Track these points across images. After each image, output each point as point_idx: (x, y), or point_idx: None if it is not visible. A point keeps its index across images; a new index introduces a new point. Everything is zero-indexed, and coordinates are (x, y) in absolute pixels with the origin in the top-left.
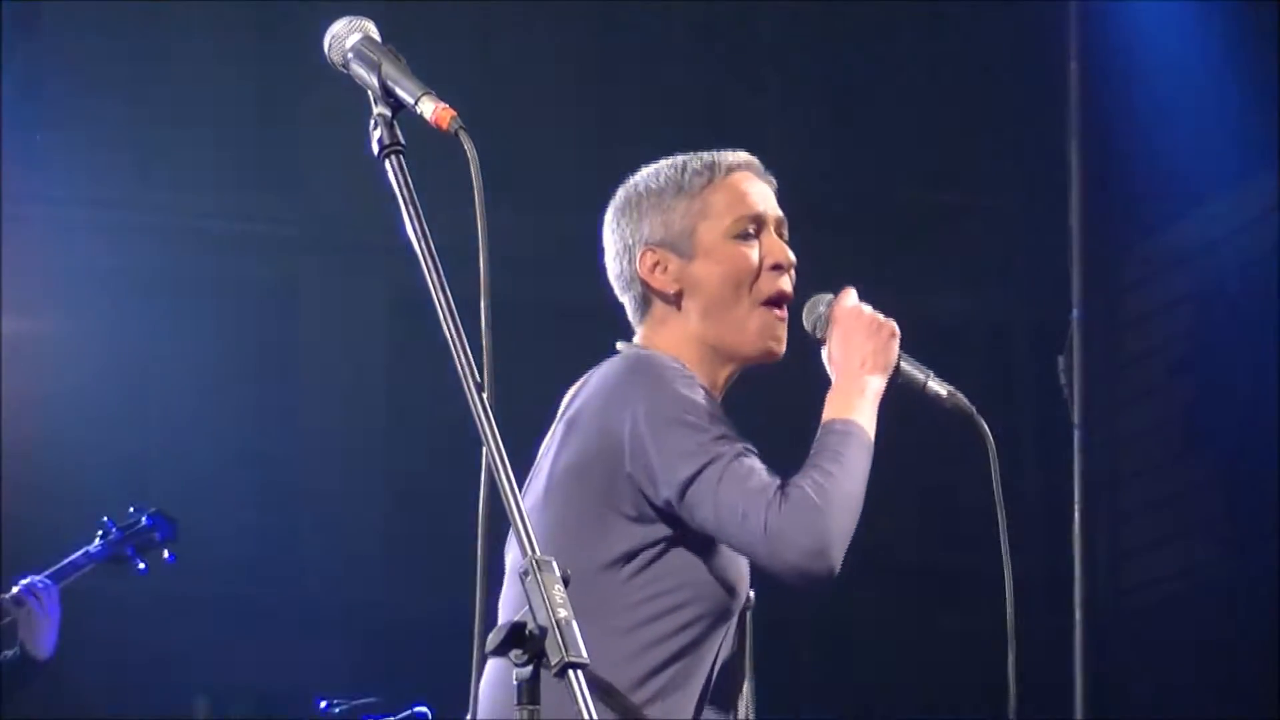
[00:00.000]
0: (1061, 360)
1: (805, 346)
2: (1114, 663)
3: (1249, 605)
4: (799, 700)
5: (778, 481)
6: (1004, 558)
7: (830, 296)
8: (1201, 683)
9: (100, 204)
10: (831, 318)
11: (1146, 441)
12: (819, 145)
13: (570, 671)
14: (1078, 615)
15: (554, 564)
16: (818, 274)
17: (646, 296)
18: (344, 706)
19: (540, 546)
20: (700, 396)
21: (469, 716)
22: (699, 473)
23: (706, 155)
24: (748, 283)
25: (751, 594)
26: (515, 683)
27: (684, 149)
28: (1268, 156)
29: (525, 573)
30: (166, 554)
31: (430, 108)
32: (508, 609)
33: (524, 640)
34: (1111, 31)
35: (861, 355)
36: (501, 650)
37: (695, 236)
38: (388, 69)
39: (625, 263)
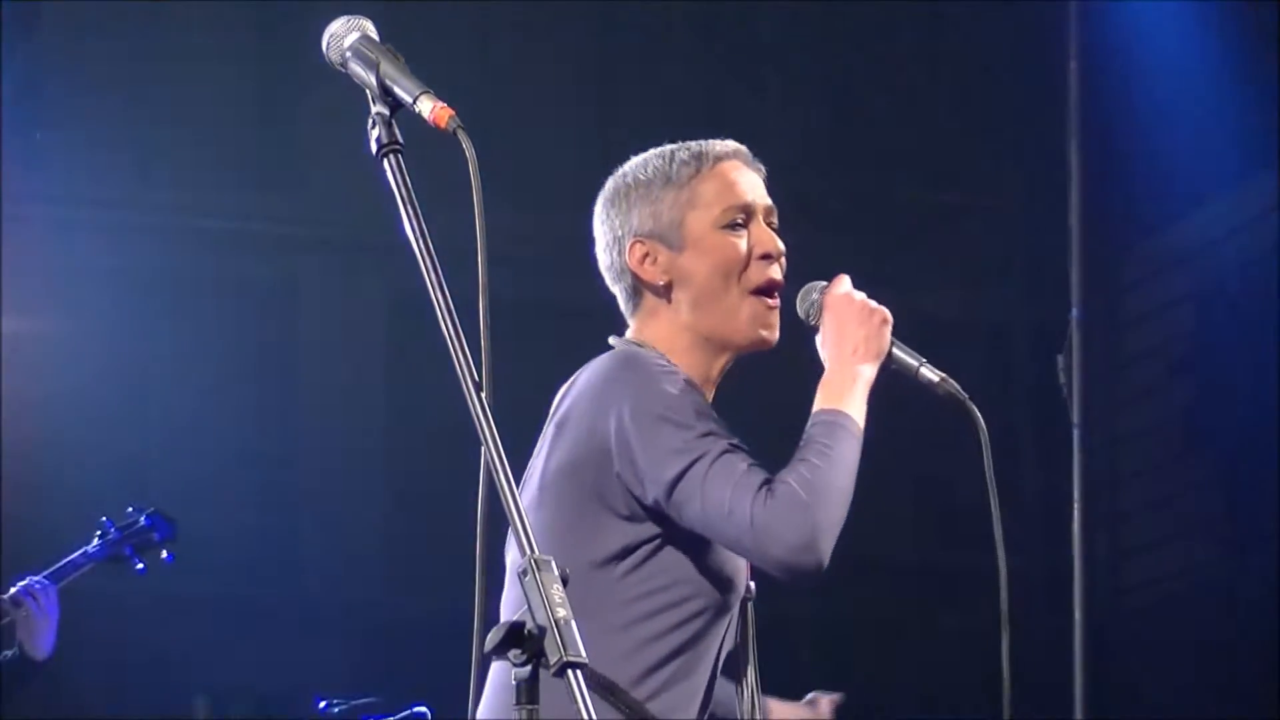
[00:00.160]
0: (1061, 360)
1: (801, 337)
2: (1114, 663)
3: (1249, 605)
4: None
5: (764, 476)
6: (997, 546)
7: (824, 284)
8: (1201, 682)
9: (100, 204)
10: (824, 305)
11: (1146, 441)
12: (819, 145)
13: (569, 671)
14: (1078, 615)
15: (553, 563)
16: (817, 274)
17: (637, 288)
18: (344, 706)
19: (536, 547)
20: (686, 393)
21: (469, 717)
22: (685, 470)
23: (694, 145)
24: (736, 272)
25: (752, 585)
26: (514, 682)
27: None
28: (1268, 156)
29: (524, 572)
30: (165, 554)
31: (428, 106)
32: (509, 610)
33: (523, 640)
34: (1111, 31)
35: (853, 342)
36: (500, 650)
37: (684, 227)
38: (386, 68)
39: (615, 254)
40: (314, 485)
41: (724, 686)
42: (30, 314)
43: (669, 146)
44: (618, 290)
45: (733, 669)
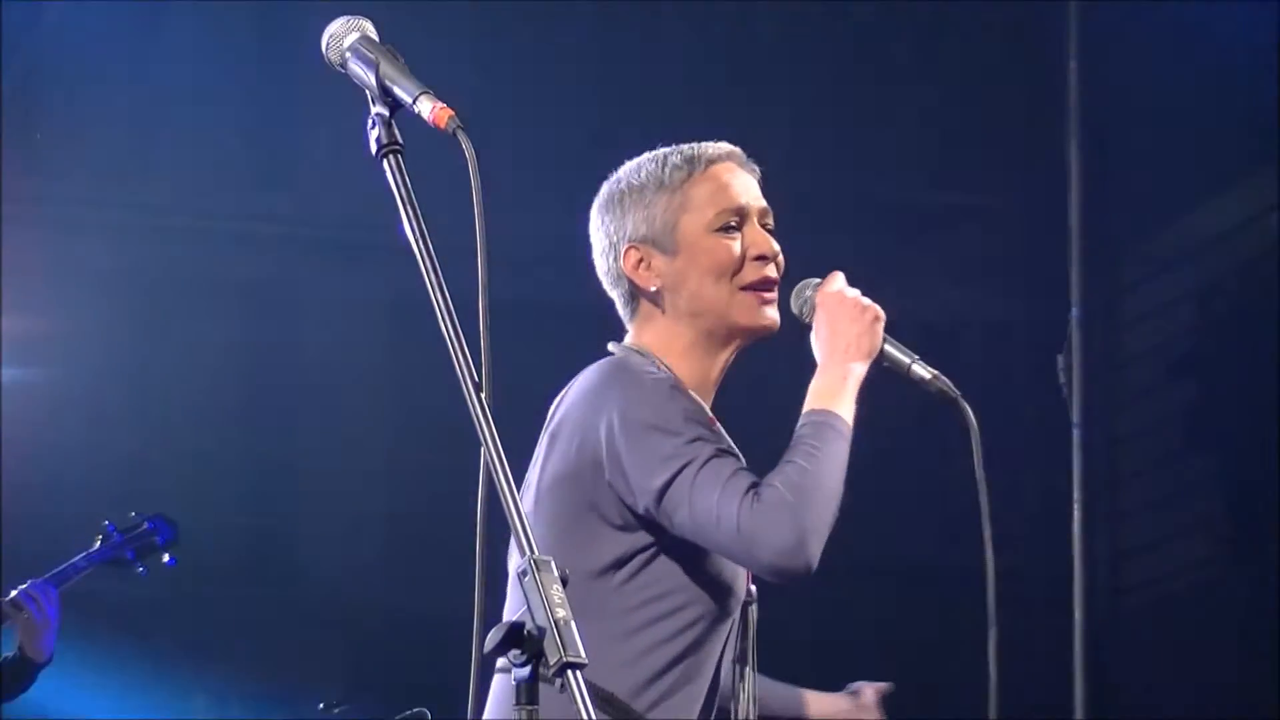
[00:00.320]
0: (1061, 359)
1: (801, 335)
2: (1114, 663)
3: (1248, 605)
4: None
5: (751, 480)
6: (985, 543)
7: (817, 281)
8: (1201, 683)
9: (100, 204)
10: (816, 302)
11: (1146, 441)
12: (818, 145)
13: (569, 672)
14: (1078, 615)
15: (552, 564)
16: (817, 274)
17: (634, 294)
18: (344, 706)
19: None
20: (674, 399)
21: (469, 717)
22: (673, 478)
23: (687, 148)
24: (729, 274)
25: (754, 589)
26: (514, 683)
27: None
28: (1268, 156)
29: (524, 573)
30: (167, 558)
31: (428, 107)
32: (511, 614)
33: (523, 640)
34: (1111, 31)
35: (845, 340)
36: (500, 650)
37: (677, 231)
38: (385, 68)
39: (611, 260)
40: (314, 485)
41: (726, 691)
42: (30, 314)
43: (662, 150)
44: (615, 296)
45: (735, 675)
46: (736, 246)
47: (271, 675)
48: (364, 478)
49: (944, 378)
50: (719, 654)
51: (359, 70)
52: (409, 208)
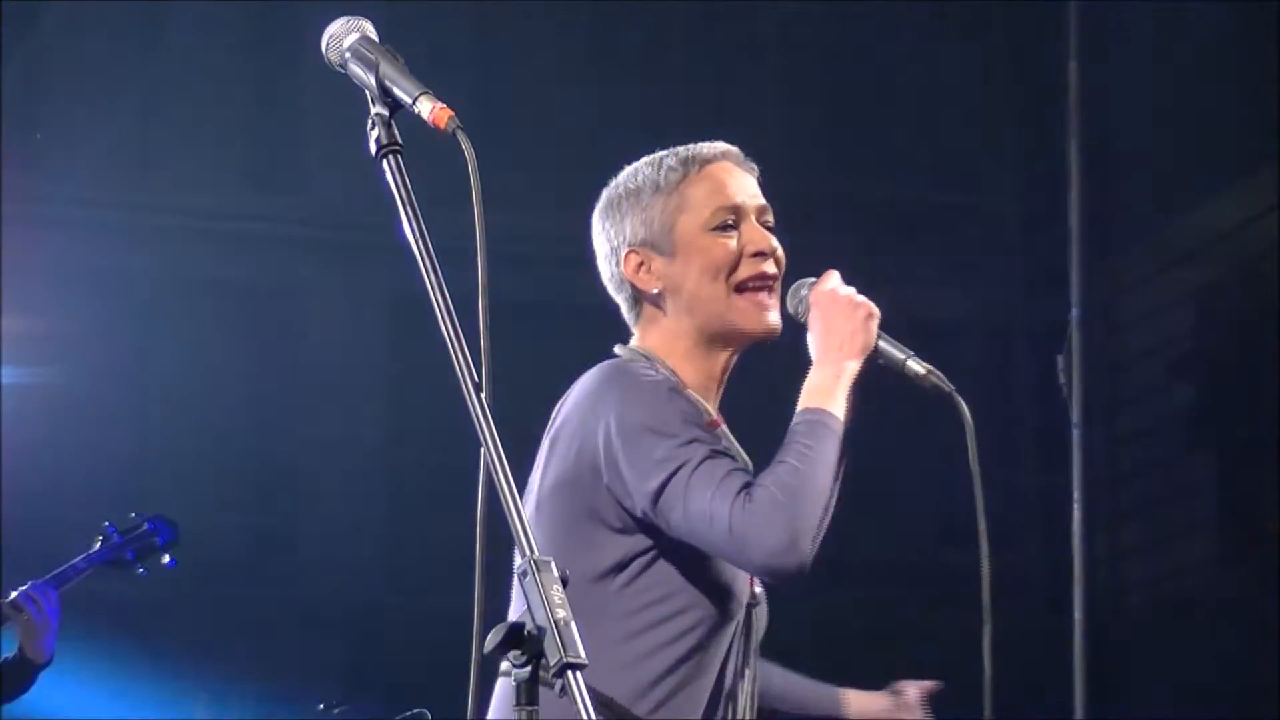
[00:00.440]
0: (1061, 360)
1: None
2: (1114, 662)
3: (1248, 605)
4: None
5: (744, 481)
6: (980, 538)
7: (813, 280)
8: (1201, 682)
9: (100, 204)
10: (811, 301)
11: (1146, 441)
12: (819, 145)
13: (569, 672)
14: (1078, 615)
15: (553, 564)
16: (817, 274)
17: (636, 297)
18: (344, 706)
19: (536, 548)
20: (671, 401)
21: (468, 718)
22: (668, 480)
23: (683, 150)
24: (725, 272)
25: (758, 591)
26: (514, 683)
27: None
28: (1268, 156)
29: (524, 573)
30: (167, 559)
31: (428, 107)
32: (514, 615)
33: (523, 641)
34: (1111, 31)
35: (839, 338)
36: (500, 650)
37: (674, 233)
38: (385, 69)
39: (613, 266)
40: (314, 485)
41: (729, 693)
42: (30, 314)
43: (660, 153)
44: (620, 300)
45: (735, 676)
46: (733, 244)
47: (271, 675)
48: (364, 478)
49: (938, 373)
50: (722, 657)
51: (359, 71)
52: (409, 208)
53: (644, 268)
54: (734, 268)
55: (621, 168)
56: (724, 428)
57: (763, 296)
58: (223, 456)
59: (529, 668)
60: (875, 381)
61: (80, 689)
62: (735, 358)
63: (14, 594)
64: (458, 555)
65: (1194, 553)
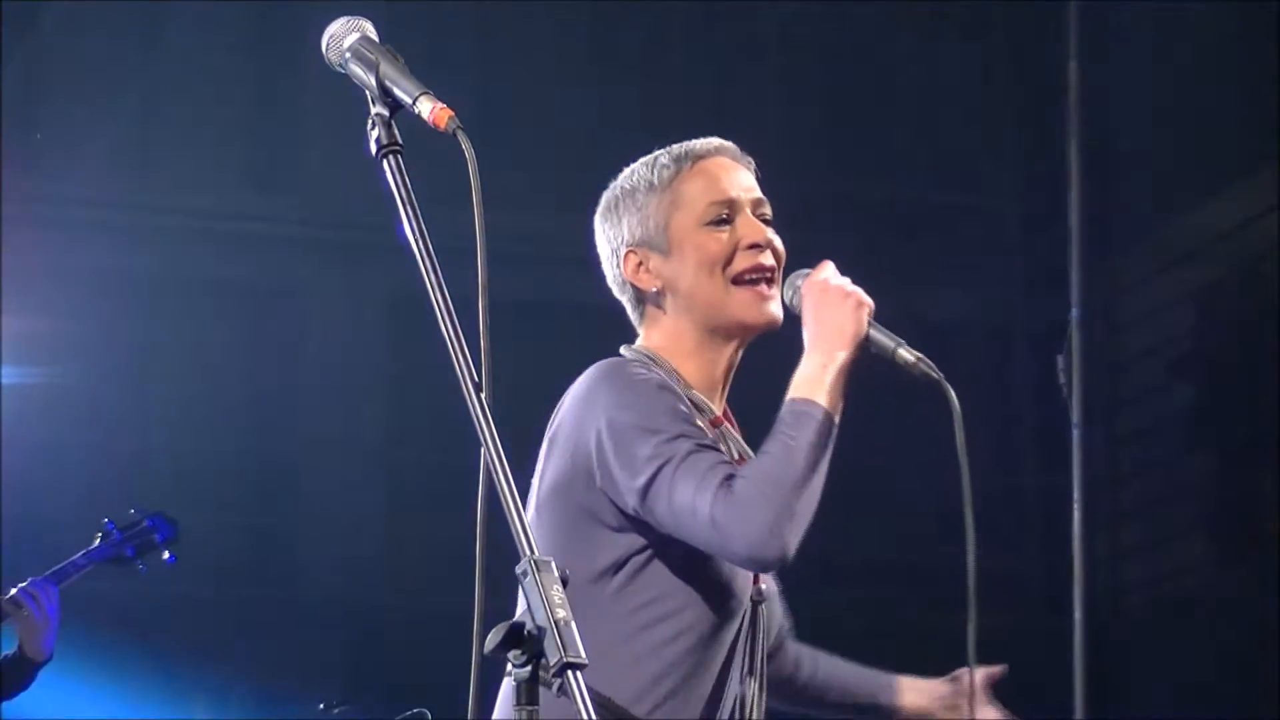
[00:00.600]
0: (1061, 360)
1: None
2: (1114, 663)
3: (1248, 605)
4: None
5: (726, 473)
6: (966, 521)
7: (808, 271)
8: (1201, 682)
9: (100, 204)
10: (802, 291)
11: (1146, 441)
12: (819, 145)
13: (569, 672)
14: (1078, 615)
15: (553, 564)
16: None
17: (639, 297)
18: (344, 707)
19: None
20: (660, 398)
21: (469, 717)
22: (655, 475)
23: (678, 147)
24: (720, 266)
25: (764, 587)
26: (514, 683)
27: None
28: (1268, 156)
29: (524, 573)
30: (167, 555)
31: (428, 107)
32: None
33: (523, 640)
34: (1111, 31)
35: (828, 327)
36: (500, 650)
37: (669, 230)
38: (385, 69)
39: (614, 267)
40: (314, 485)
41: (733, 692)
42: (30, 314)
43: (657, 152)
44: (624, 301)
45: (742, 674)
46: (727, 238)
47: (271, 675)
48: (364, 478)
49: (928, 360)
50: (725, 656)
51: (359, 71)
52: (409, 208)
53: (643, 267)
54: (729, 261)
55: (621, 168)
56: (728, 425)
57: (761, 287)
58: (223, 456)
59: (529, 668)
60: (874, 382)
61: (80, 688)
62: (739, 353)
63: (14, 591)
64: (458, 555)
65: (1194, 553)
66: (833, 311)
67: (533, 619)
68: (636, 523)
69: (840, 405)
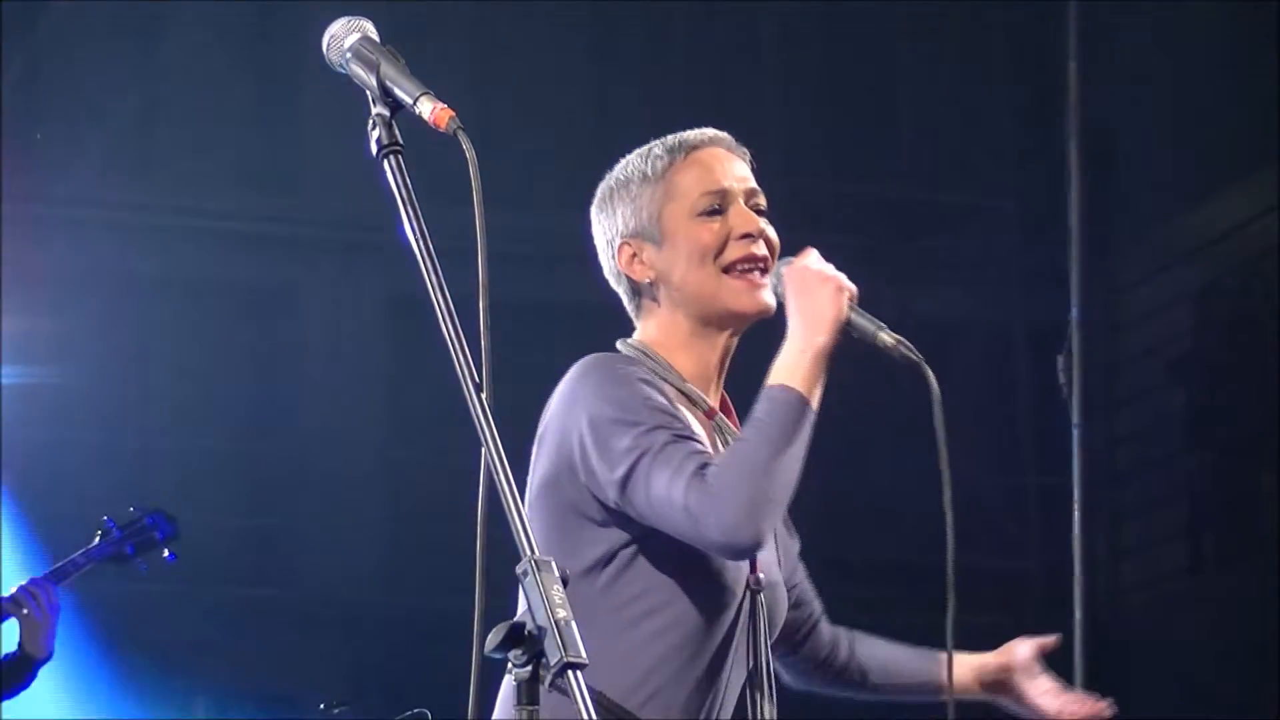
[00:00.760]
0: (1061, 360)
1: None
2: (1114, 663)
3: (1248, 605)
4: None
5: (701, 462)
6: (946, 511)
7: (792, 259)
8: (1201, 682)
9: (100, 204)
10: (784, 277)
11: (1146, 441)
12: (819, 145)
13: (570, 672)
14: (1078, 615)
15: (553, 564)
16: None
17: (634, 289)
18: (344, 707)
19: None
20: (639, 390)
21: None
22: (633, 467)
23: (672, 138)
24: (712, 256)
25: (762, 576)
26: (515, 683)
27: None
28: (1268, 156)
29: (524, 573)
30: (167, 553)
31: (429, 108)
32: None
33: (523, 640)
34: (1111, 31)
35: (807, 313)
36: (501, 650)
37: (661, 221)
38: (386, 69)
39: (609, 258)
40: (314, 485)
41: (733, 683)
42: (30, 314)
43: (652, 143)
44: (620, 293)
45: (743, 664)
46: (718, 228)
47: (271, 675)
48: (364, 478)
49: (907, 343)
50: (722, 647)
51: (360, 71)
52: (409, 208)
53: (636, 258)
54: (721, 251)
55: None
56: (723, 416)
57: (754, 276)
58: (223, 456)
59: (529, 667)
60: (875, 382)
61: (80, 688)
62: (734, 342)
63: (14, 589)
64: (458, 555)
65: (1194, 552)
66: (812, 297)
67: (533, 619)
68: (620, 517)
69: (818, 389)
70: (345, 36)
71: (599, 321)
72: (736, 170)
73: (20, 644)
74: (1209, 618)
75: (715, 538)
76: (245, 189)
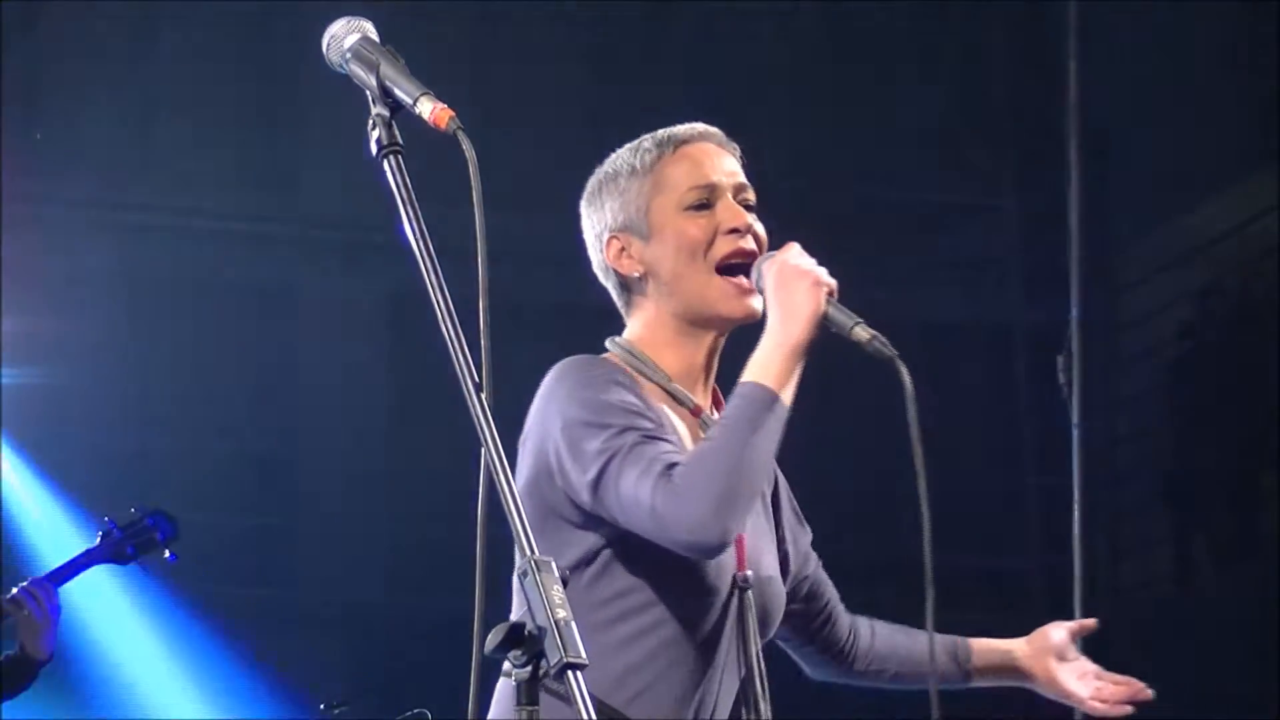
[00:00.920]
0: (1061, 360)
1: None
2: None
3: (1248, 605)
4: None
5: (668, 463)
6: (922, 505)
7: (773, 254)
8: (1201, 683)
9: (100, 204)
10: (763, 272)
11: (1146, 442)
12: (818, 146)
13: (570, 672)
14: (1078, 615)
15: (553, 564)
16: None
17: (623, 284)
18: (344, 707)
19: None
20: (612, 392)
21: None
22: (603, 469)
23: (662, 132)
24: (701, 251)
25: (751, 572)
26: (514, 683)
27: None
28: (1268, 156)
29: (524, 573)
30: (167, 554)
31: (428, 108)
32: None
33: (523, 640)
34: (1111, 31)
35: (783, 308)
36: (501, 650)
37: (650, 215)
38: (386, 69)
39: (597, 252)
40: (314, 485)
41: (725, 680)
42: (30, 314)
43: (642, 137)
44: (609, 288)
45: (731, 661)
46: (706, 223)
47: (271, 675)
48: (364, 478)
49: (882, 338)
50: (709, 644)
51: (359, 71)
52: (409, 208)
53: (625, 252)
54: (710, 246)
55: None
56: (709, 414)
57: (741, 279)
58: (223, 456)
59: (529, 668)
60: (874, 383)
61: (80, 688)
62: (720, 342)
63: (14, 590)
64: (458, 555)
65: (1193, 552)
66: (790, 291)
67: (533, 619)
68: (597, 519)
69: (791, 384)
70: (345, 37)
71: (600, 323)
72: (725, 165)
73: (20, 645)
74: (1209, 617)
75: (681, 537)
76: (245, 189)
